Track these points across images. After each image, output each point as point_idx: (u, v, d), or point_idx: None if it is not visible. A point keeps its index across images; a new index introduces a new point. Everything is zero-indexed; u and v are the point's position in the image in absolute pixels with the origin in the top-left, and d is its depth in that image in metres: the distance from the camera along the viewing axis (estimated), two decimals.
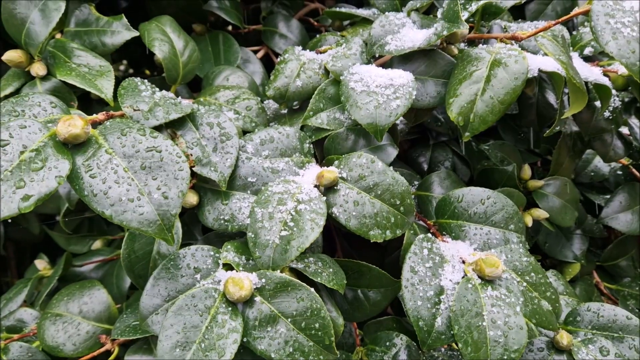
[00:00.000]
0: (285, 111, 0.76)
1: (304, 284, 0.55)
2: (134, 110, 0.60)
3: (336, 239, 0.84)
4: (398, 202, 0.65)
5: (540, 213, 0.89)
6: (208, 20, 0.93)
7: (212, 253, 0.62)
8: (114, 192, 0.49)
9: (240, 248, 0.64)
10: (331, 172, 0.65)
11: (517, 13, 1.09)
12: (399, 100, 0.69)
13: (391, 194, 0.65)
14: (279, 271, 0.58)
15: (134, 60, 1.15)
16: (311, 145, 0.72)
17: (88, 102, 0.75)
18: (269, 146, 0.69)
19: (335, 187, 0.65)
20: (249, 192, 0.66)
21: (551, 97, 0.91)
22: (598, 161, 1.04)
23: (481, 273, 0.65)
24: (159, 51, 0.72)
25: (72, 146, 0.52)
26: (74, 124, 0.51)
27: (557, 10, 1.05)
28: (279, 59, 0.81)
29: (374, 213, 0.64)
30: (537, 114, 0.91)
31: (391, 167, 0.67)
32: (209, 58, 0.88)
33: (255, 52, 0.97)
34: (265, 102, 0.84)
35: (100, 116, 0.61)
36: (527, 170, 0.92)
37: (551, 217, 0.91)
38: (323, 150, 0.75)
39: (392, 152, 0.73)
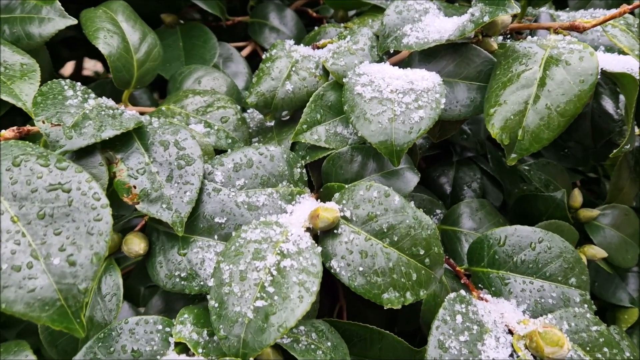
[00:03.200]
0: (272, 124, 0.57)
1: None
2: (52, 125, 0.42)
3: (338, 285, 0.65)
4: (422, 252, 0.47)
5: (597, 251, 0.70)
6: (182, 10, 0.75)
7: (160, 327, 0.44)
8: None
9: (203, 317, 0.45)
10: (330, 211, 0.47)
11: (559, 3, 0.91)
12: (423, 110, 0.51)
13: (413, 241, 0.46)
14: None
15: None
16: (304, 171, 0.54)
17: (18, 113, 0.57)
18: (246, 173, 0.51)
19: (335, 231, 0.47)
20: (216, 237, 0.48)
21: (609, 105, 0.72)
22: None
23: (538, 352, 0.46)
24: (104, 45, 0.54)
25: None
26: None
27: None
28: (264, 56, 0.62)
29: (389, 268, 0.46)
30: (591, 126, 0.72)
31: (412, 203, 0.48)
32: (179, 56, 0.70)
33: (241, 49, 0.79)
34: (248, 111, 0.66)
35: (7, 133, 0.44)
36: (577, 197, 0.73)
37: (609, 255, 0.71)
38: (320, 175, 0.57)
39: (412, 180, 0.55)
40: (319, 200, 0.54)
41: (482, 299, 0.54)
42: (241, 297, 0.42)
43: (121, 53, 0.55)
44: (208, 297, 0.43)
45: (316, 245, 0.45)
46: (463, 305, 0.50)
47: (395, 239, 0.47)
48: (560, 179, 0.74)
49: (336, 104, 0.56)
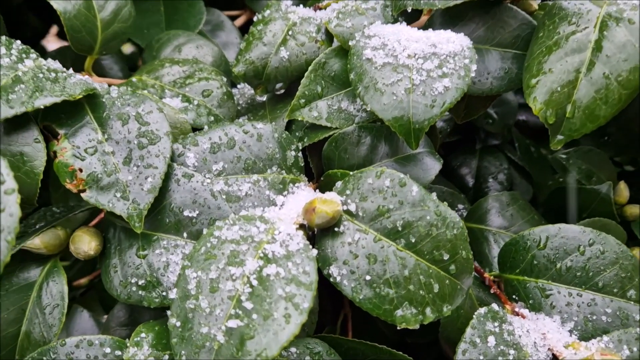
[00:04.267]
0: (264, 99, 0.47)
1: None
2: None
3: None
4: (446, 258, 0.36)
5: None
6: None
7: (108, 350, 0.34)
8: None
9: (165, 336, 0.36)
10: (329, 204, 0.37)
11: None
12: (448, 79, 0.41)
13: (434, 243, 0.36)
14: None
15: None
16: (299, 154, 0.44)
17: None
18: (226, 155, 0.41)
19: (336, 229, 0.37)
20: (185, 235, 0.38)
21: None
22: None
23: None
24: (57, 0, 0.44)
25: None
26: None
27: None
28: (255, 18, 0.52)
29: (404, 277, 0.36)
30: None
31: (434, 195, 0.38)
32: (158, 21, 0.60)
33: (235, 18, 0.69)
34: (239, 86, 0.56)
35: None
36: (623, 191, 0.62)
37: None
38: (321, 161, 0.47)
39: (433, 167, 0.45)
40: (317, 191, 0.44)
41: (517, 314, 0.44)
42: (210, 314, 0.32)
43: (80, 10, 0.45)
44: (169, 313, 0.33)
45: (310, 247, 0.35)
46: (496, 324, 0.39)
47: (413, 240, 0.37)
48: (604, 169, 0.63)
49: (340, 74, 0.46)
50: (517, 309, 0.44)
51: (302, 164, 0.45)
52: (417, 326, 0.36)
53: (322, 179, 0.47)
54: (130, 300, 0.37)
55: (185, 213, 0.38)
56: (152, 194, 0.37)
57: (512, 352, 0.39)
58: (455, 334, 0.47)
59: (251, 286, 0.33)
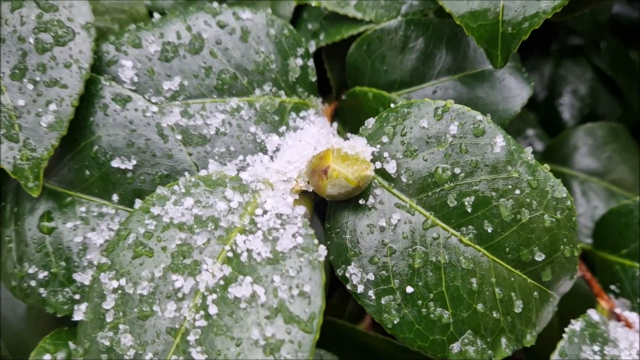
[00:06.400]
0: None
1: None
2: None
3: None
4: (540, 258, 0.22)
5: None
6: None
7: None
8: None
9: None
10: (352, 162, 0.22)
11: None
12: None
13: (524, 234, 0.21)
14: None
15: None
16: (310, 63, 0.28)
17: None
18: (187, 65, 0.25)
19: (360, 201, 0.22)
20: (114, 197, 0.23)
21: None
22: None
23: None
24: None
25: None
26: None
27: None
28: None
29: (470, 290, 0.21)
30: None
31: (529, 151, 0.22)
32: None
33: None
34: None
35: None
36: None
37: None
38: (344, 71, 0.31)
39: (520, 92, 0.29)
40: (334, 123, 0.28)
41: (619, 318, 0.29)
42: None
43: None
44: (71, 347, 0.20)
45: (316, 243, 0.21)
46: (596, 348, 0.25)
47: (489, 230, 0.22)
48: None
49: None
50: (618, 310, 0.30)
51: (314, 80, 0.28)
52: None
53: (343, 98, 0.31)
54: (29, 301, 0.23)
55: (116, 163, 0.23)
56: (57, 131, 0.22)
57: None
58: None
59: (207, 316, 0.19)
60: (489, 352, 0.23)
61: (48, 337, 0.23)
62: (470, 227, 0.22)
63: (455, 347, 0.22)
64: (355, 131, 0.30)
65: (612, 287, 0.32)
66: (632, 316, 0.30)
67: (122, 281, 0.20)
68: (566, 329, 0.27)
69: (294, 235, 0.20)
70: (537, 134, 0.46)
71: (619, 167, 0.39)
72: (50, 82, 0.23)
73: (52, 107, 0.23)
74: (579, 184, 0.39)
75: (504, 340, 0.23)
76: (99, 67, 0.24)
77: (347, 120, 0.31)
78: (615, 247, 0.32)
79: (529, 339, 0.23)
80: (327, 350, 0.27)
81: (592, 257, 0.33)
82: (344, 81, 0.33)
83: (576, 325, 0.27)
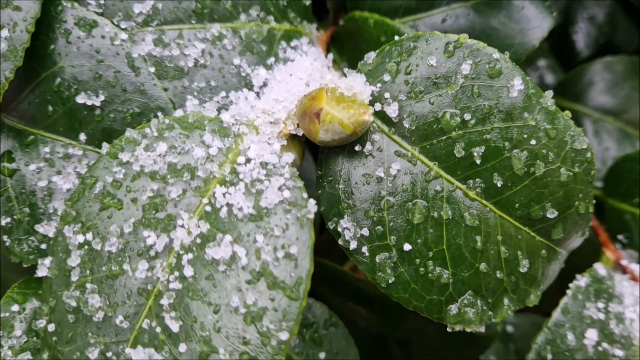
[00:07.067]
0: None
1: None
2: None
3: None
4: (553, 215, 0.20)
5: None
6: None
7: None
8: None
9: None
10: (348, 104, 0.19)
11: None
12: None
13: (536, 188, 0.19)
14: None
15: None
16: None
17: None
18: None
19: (356, 148, 0.20)
20: (82, 137, 0.21)
21: None
22: None
23: None
24: None
25: None
26: None
27: None
28: None
29: (473, 249, 0.19)
30: None
31: (549, 95, 0.19)
32: None
33: None
34: None
35: None
36: None
37: None
38: None
39: (540, 23, 0.26)
40: (330, 54, 0.25)
41: (625, 270, 0.28)
42: (105, 323, 0.17)
43: None
44: (36, 305, 0.18)
45: (305, 197, 0.18)
46: (600, 305, 0.24)
47: (498, 184, 0.20)
48: None
49: None
50: (624, 262, 0.28)
51: (308, 3, 0.25)
52: (481, 328, 0.21)
53: (341, 23, 0.28)
54: None
55: (81, 99, 0.20)
56: (11, 61, 0.19)
57: (618, 352, 0.24)
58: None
59: (182, 278, 0.17)
60: (489, 313, 0.21)
61: (16, 285, 0.22)
62: (477, 180, 0.20)
63: (453, 308, 0.21)
64: (353, 62, 0.27)
65: (620, 237, 0.30)
66: (638, 269, 0.29)
67: (89, 235, 0.18)
68: (570, 285, 0.26)
69: (280, 189, 0.18)
70: (549, 65, 0.43)
71: (635, 106, 0.36)
72: (1, 4, 0.20)
73: (4, 33, 0.19)
74: (592, 122, 0.36)
75: (506, 301, 0.21)
76: None
77: (345, 49, 0.28)
78: (628, 195, 0.30)
79: (533, 299, 0.22)
80: (317, 291, 0.26)
81: (601, 203, 0.31)
82: (342, 5, 0.29)
83: (581, 281, 0.25)
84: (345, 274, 0.30)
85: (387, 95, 0.20)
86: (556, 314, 0.25)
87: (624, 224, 0.30)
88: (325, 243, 0.37)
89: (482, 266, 0.21)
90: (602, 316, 0.25)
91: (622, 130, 0.36)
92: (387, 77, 0.21)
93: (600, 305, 0.25)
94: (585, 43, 0.49)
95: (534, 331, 0.25)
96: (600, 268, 0.26)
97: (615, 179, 0.30)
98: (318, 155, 0.22)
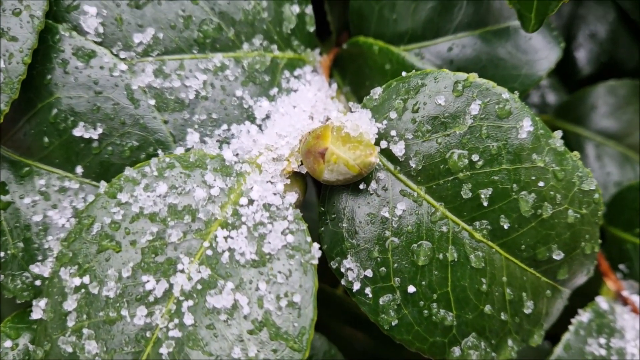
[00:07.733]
0: None
1: None
2: None
3: None
4: (559, 256, 0.19)
5: None
6: None
7: None
8: None
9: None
10: (354, 144, 0.19)
11: None
12: None
13: (543, 230, 0.19)
14: None
15: None
16: (308, 11, 0.24)
17: None
18: (162, 13, 0.21)
19: (361, 186, 0.19)
20: (79, 170, 0.20)
21: None
22: None
23: None
24: None
25: None
26: None
27: None
28: None
29: (478, 291, 0.19)
30: None
31: (559, 136, 0.19)
32: None
33: None
34: None
35: None
36: None
37: None
38: (346, 16, 0.27)
39: (548, 54, 0.25)
40: (334, 83, 0.25)
41: (626, 301, 0.28)
42: None
43: None
44: (30, 348, 0.18)
45: (309, 240, 0.18)
46: (602, 340, 0.24)
47: (505, 226, 0.19)
48: None
49: None
50: (625, 294, 0.28)
51: (312, 30, 0.25)
52: None
53: (344, 47, 0.28)
54: None
55: (78, 131, 0.20)
56: (6, 94, 0.19)
57: None
58: None
59: (182, 326, 0.16)
60: (493, 354, 0.21)
61: (9, 319, 0.21)
62: (484, 221, 0.20)
63: (457, 350, 0.20)
64: (355, 87, 0.27)
65: (621, 266, 0.30)
66: (639, 301, 0.28)
67: (86, 279, 0.17)
68: (573, 320, 0.26)
69: (283, 232, 0.18)
70: (551, 84, 0.42)
71: (637, 130, 0.36)
72: None
73: (0, 64, 0.19)
74: (594, 147, 0.36)
75: (509, 342, 0.21)
76: (56, 13, 0.20)
77: (347, 72, 0.28)
78: (629, 225, 0.30)
79: (536, 339, 0.22)
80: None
81: (602, 231, 0.31)
82: (346, 23, 0.29)
83: (583, 316, 0.25)
84: (343, 299, 0.30)
85: (393, 133, 0.20)
86: (558, 350, 0.25)
87: (624, 253, 0.30)
88: (320, 262, 0.36)
89: (487, 308, 0.20)
90: (603, 352, 0.25)
91: (624, 154, 0.36)
92: (393, 115, 0.20)
93: (602, 341, 0.25)
94: (587, 60, 0.49)
95: None
96: (602, 302, 0.26)
97: (617, 208, 0.30)
98: (321, 190, 0.21)
